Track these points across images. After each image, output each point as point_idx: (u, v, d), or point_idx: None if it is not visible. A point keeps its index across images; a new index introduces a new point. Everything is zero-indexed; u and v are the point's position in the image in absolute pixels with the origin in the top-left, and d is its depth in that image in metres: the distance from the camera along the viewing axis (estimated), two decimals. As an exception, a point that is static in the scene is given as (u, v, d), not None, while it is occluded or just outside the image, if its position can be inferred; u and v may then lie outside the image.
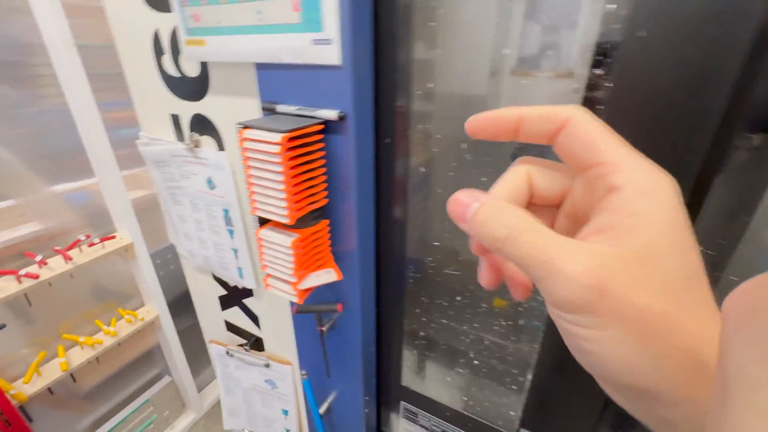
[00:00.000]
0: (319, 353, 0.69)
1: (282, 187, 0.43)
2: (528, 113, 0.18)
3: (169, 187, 0.73)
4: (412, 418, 0.74)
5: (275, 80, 0.49)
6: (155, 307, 1.26)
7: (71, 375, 1.05)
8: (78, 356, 1.07)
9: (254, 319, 0.80)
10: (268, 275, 0.52)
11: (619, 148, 0.16)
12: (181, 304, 1.37)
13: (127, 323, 1.20)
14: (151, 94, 0.67)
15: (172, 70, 0.62)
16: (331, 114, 0.45)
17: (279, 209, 0.44)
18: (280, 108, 0.48)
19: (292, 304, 0.61)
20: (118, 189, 1.06)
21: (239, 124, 0.44)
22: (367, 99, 0.47)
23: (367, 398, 0.71)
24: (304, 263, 0.49)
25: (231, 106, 0.58)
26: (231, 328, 0.87)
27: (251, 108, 0.56)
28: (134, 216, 1.13)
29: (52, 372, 1.01)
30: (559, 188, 0.20)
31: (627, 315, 0.14)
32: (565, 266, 0.15)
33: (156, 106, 0.68)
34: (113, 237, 1.11)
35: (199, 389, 1.54)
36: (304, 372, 0.70)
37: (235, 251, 0.71)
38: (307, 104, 0.48)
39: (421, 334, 0.69)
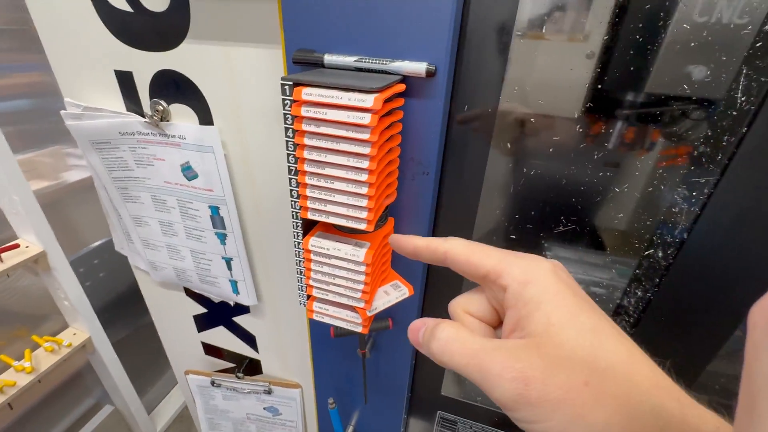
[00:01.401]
0: (343, 374, 0.56)
1: (366, 177, 0.28)
2: (419, 245, 0.23)
3: (117, 179, 0.52)
4: (450, 426, 0.66)
5: (314, 15, 0.33)
6: (84, 327, 1.00)
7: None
8: (-19, 409, 0.80)
9: (249, 339, 0.64)
10: (313, 298, 0.37)
11: (491, 256, 0.20)
12: (112, 313, 1.12)
13: (48, 353, 0.93)
14: (80, 42, 0.45)
15: (118, 1, 0.41)
16: (416, 68, 0.31)
17: (355, 209, 0.30)
18: (330, 59, 0.33)
19: (328, 327, 0.47)
20: (16, 180, 0.78)
21: (287, 79, 0.28)
22: (455, 46, 0.34)
23: (405, 416, 0.60)
24: (375, 280, 0.35)
25: (228, 58, 0.40)
26: (211, 351, 0.70)
27: (269, 60, 0.38)
28: (43, 216, 0.84)
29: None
30: (489, 307, 0.22)
31: (556, 396, 0.15)
32: (491, 367, 0.16)
33: (91, 60, 0.46)
34: (15, 246, 0.82)
35: (148, 411, 1.31)
36: (332, 401, 0.57)
37: (228, 261, 0.53)
38: (373, 53, 0.32)
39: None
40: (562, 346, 0.16)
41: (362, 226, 0.30)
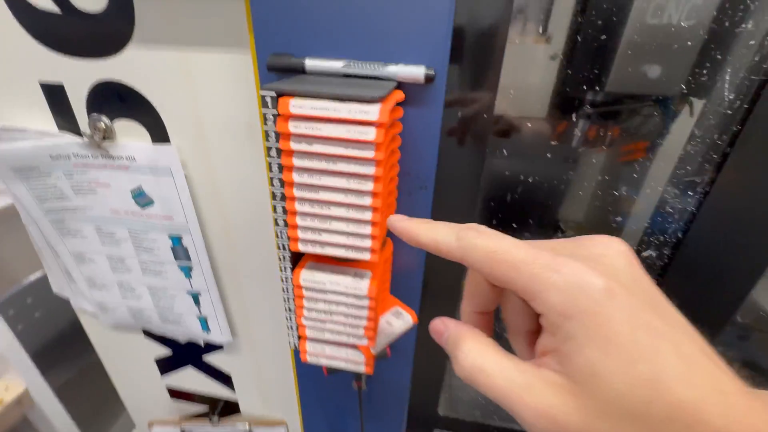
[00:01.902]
0: (333, 407, 0.51)
1: (369, 200, 0.24)
2: (424, 242, 0.19)
3: (50, 210, 0.44)
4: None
5: (290, 13, 0.28)
6: (19, 377, 0.86)
7: None
8: None
9: (223, 379, 0.57)
10: (304, 338, 0.33)
11: (521, 271, 0.15)
12: (53, 355, 0.98)
13: (-26, 415, 0.79)
14: (-9, 48, 0.37)
15: (41, 1, 0.33)
16: (414, 73, 0.27)
17: (357, 238, 0.26)
18: (313, 64, 0.28)
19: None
20: None
21: (268, 88, 0.23)
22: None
23: (402, 443, 0.56)
24: (378, 313, 0.31)
25: (184, 65, 0.34)
26: (179, 395, 0.62)
27: (235, 67, 0.33)
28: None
29: None
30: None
31: None
32: (522, 411, 0.15)
33: (7, 72, 0.38)
34: None
35: (103, 461, 1.16)
36: (324, 440, 0.52)
37: (195, 296, 0.46)
38: (361, 56, 0.28)
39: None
40: (608, 402, 0.13)
41: (366, 257, 0.26)
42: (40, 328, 0.98)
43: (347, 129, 0.22)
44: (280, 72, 0.30)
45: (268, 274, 0.44)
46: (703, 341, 0.14)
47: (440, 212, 0.41)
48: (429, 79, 0.28)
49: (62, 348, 1.04)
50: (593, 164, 0.44)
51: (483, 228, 0.17)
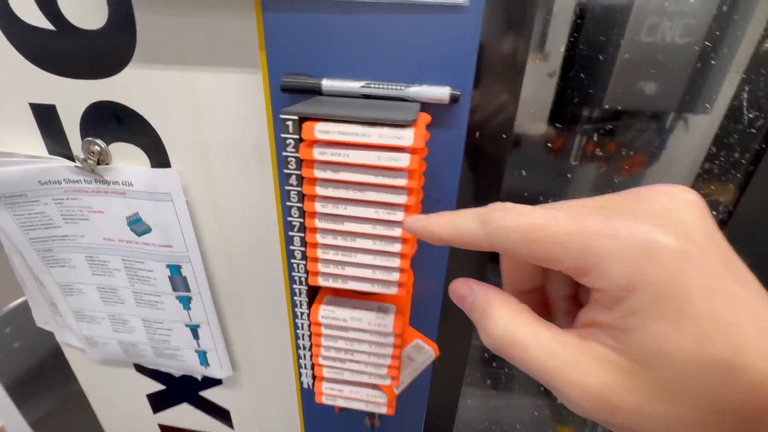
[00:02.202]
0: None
1: (399, 231, 0.22)
2: (446, 237, 0.16)
3: (37, 240, 0.41)
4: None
5: (306, 32, 0.27)
6: (-6, 416, 0.80)
7: None
8: None
9: (221, 415, 0.53)
10: (321, 378, 0.30)
11: (568, 248, 0.13)
12: (31, 387, 0.92)
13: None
14: (-24, 68, 0.34)
15: (33, 16, 0.31)
16: (438, 93, 0.26)
17: (383, 271, 0.24)
18: (330, 85, 0.26)
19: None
20: None
21: (289, 113, 0.21)
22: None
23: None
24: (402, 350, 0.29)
25: (189, 85, 0.32)
26: (172, 432, 0.57)
27: (244, 88, 0.31)
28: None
29: None
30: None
31: (647, 426, 0.12)
32: (566, 389, 0.13)
33: (-7, 91, 0.35)
34: None
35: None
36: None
37: (194, 328, 0.43)
38: (381, 77, 0.27)
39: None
40: (674, 383, 0.12)
41: (393, 291, 0.24)
42: (20, 359, 0.92)
43: (378, 156, 0.20)
44: (293, 93, 0.28)
45: (273, 305, 0.41)
46: None
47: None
48: (454, 100, 0.26)
49: (42, 378, 0.97)
50: (597, 179, 0.44)
51: (509, 205, 0.14)
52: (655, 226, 0.12)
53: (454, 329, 0.43)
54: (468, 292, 0.16)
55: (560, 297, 0.17)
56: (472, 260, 0.41)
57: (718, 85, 0.38)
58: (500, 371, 0.62)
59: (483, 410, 0.64)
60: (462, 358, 0.48)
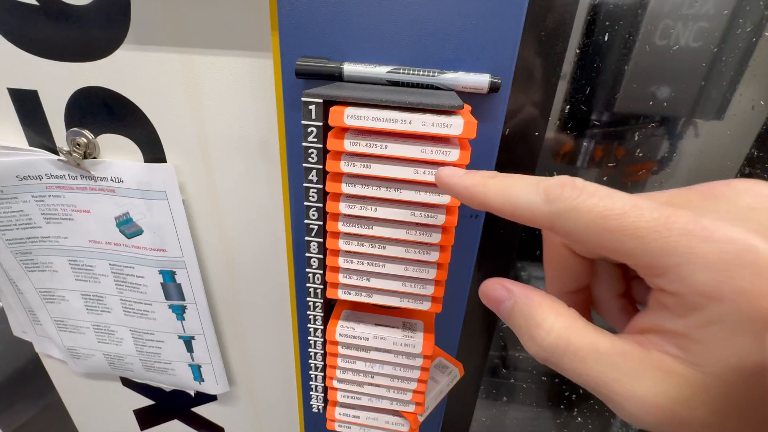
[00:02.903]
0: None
1: (439, 237, 0.19)
2: (495, 201, 0.14)
3: (14, 241, 0.37)
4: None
5: (324, 11, 0.23)
6: (-32, 428, 0.75)
7: None
8: None
9: (215, 431, 0.49)
10: (334, 403, 0.26)
11: (645, 240, 0.11)
12: (9, 395, 0.87)
13: None
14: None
15: (13, -10, 0.28)
16: (477, 81, 0.23)
17: (416, 284, 0.20)
18: (352, 70, 0.23)
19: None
20: None
21: (312, 95, 0.18)
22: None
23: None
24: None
25: (189, 70, 0.29)
26: (160, 451, 0.53)
27: (253, 73, 0.28)
28: None
29: None
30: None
31: None
32: (626, 403, 0.12)
33: (-34, 74, 0.31)
34: None
35: None
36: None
37: (188, 341, 0.39)
38: (409, 61, 0.24)
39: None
40: (749, 399, 0.11)
41: (426, 306, 0.21)
42: (-3, 367, 0.87)
43: (422, 149, 0.17)
44: (310, 78, 0.25)
45: (276, 317, 0.38)
46: None
47: (488, 243, 0.36)
48: (494, 89, 0.23)
49: (20, 387, 0.92)
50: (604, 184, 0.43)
51: (580, 182, 0.13)
52: (752, 231, 0.11)
53: (475, 340, 0.40)
54: (505, 294, 0.15)
55: (612, 295, 0.16)
56: (499, 257, 0.38)
57: (731, 91, 0.36)
58: (505, 382, 0.59)
59: (492, 423, 0.61)
60: (478, 373, 0.45)
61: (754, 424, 0.11)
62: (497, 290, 0.15)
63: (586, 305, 0.17)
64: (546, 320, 0.13)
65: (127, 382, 0.47)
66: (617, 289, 0.16)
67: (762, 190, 0.12)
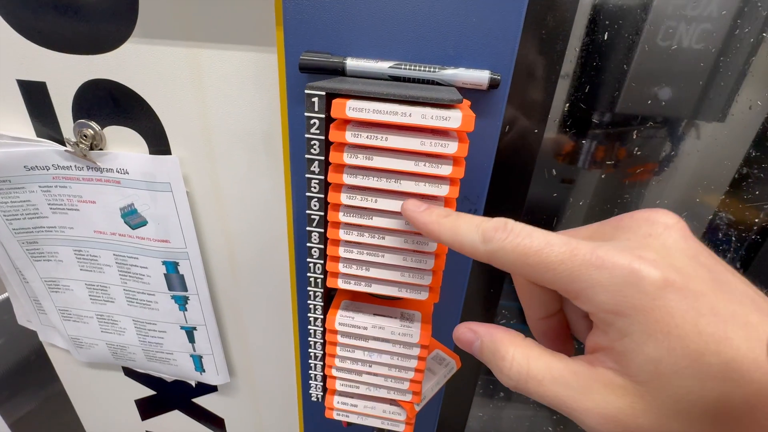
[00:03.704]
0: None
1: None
2: (446, 238, 0.17)
3: (20, 230, 0.37)
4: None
5: (329, 6, 0.24)
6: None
7: None
8: None
9: (215, 423, 0.50)
10: (333, 392, 0.27)
11: (558, 272, 0.13)
12: (12, 384, 0.88)
13: None
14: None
15: (24, -17, 0.28)
16: (477, 77, 0.23)
17: (414, 274, 0.21)
18: (355, 65, 0.24)
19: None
20: None
21: (315, 88, 0.19)
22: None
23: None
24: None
25: (195, 63, 0.29)
26: (161, 441, 0.54)
27: (256, 66, 0.28)
28: None
29: None
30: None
31: None
32: (584, 417, 0.13)
33: (-24, 65, 0.32)
34: None
35: None
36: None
37: (190, 331, 0.40)
38: (415, 58, 0.24)
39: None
40: (679, 401, 0.12)
41: (423, 296, 0.21)
42: (0, 356, 0.88)
43: (421, 141, 0.17)
44: (313, 72, 0.25)
45: (277, 308, 0.38)
46: None
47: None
48: (493, 85, 0.24)
49: (24, 377, 0.93)
50: (605, 185, 0.43)
51: (511, 224, 0.15)
52: (637, 257, 0.13)
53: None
54: (472, 336, 0.17)
55: (578, 317, 0.17)
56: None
57: (733, 93, 0.36)
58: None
59: (488, 420, 0.61)
60: (475, 367, 0.45)
61: (695, 424, 0.12)
62: (466, 334, 0.17)
63: (562, 328, 0.18)
64: (508, 352, 0.15)
65: (129, 372, 0.48)
66: (581, 312, 0.17)
67: (658, 218, 0.14)
